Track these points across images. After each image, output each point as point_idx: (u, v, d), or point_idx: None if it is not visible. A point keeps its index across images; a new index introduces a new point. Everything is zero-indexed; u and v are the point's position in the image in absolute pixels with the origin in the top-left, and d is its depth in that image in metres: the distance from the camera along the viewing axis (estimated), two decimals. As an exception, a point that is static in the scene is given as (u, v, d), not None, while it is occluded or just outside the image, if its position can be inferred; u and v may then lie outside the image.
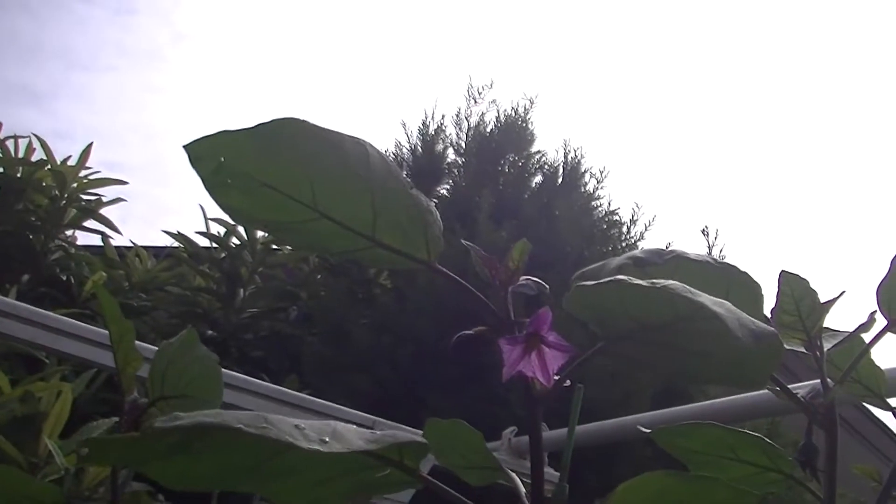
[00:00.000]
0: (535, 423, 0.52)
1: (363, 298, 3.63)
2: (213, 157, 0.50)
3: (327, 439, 0.42)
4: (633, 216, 3.75)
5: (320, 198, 0.51)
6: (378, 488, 0.50)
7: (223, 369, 1.54)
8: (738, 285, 0.53)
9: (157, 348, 0.75)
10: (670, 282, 0.38)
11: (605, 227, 3.69)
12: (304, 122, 0.50)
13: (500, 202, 3.52)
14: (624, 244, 3.62)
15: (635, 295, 0.41)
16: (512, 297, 0.53)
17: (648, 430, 0.68)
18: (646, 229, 3.74)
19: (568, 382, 0.52)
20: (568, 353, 0.47)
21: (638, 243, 3.67)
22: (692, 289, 0.38)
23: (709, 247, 3.88)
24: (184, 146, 0.50)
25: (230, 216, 0.53)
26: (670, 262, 0.50)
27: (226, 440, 0.42)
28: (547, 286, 0.57)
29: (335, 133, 0.51)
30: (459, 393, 2.82)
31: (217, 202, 0.52)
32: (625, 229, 3.71)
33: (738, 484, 0.63)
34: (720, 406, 1.35)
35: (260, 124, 0.49)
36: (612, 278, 0.40)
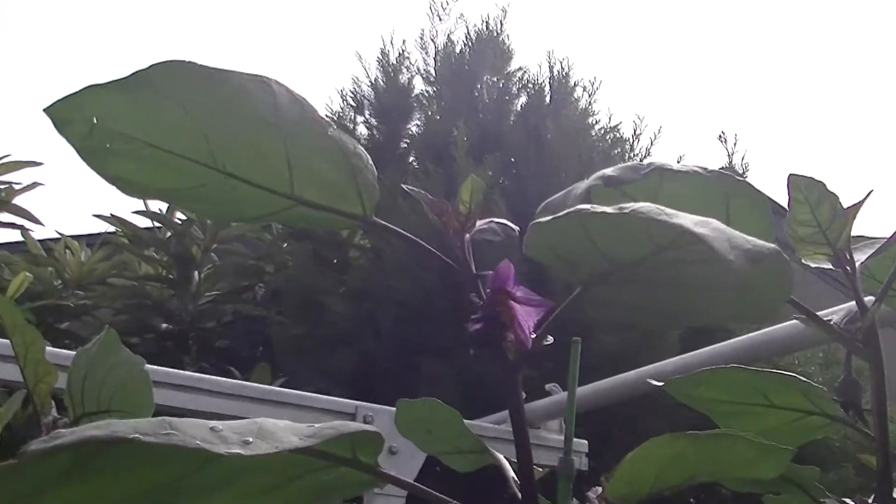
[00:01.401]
0: (515, 394, 0.50)
1: (337, 263, 3.62)
2: (84, 118, 0.47)
3: (251, 440, 0.40)
4: (635, 130, 3.72)
5: (220, 154, 0.49)
6: (334, 492, 0.48)
7: (176, 370, 1.53)
8: (739, 196, 0.50)
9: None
10: (641, 204, 0.36)
11: (604, 146, 3.66)
12: (188, 63, 0.48)
13: (480, 133, 3.49)
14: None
15: (601, 226, 0.39)
16: (470, 246, 0.51)
17: (661, 384, 0.66)
18: (652, 143, 3.72)
19: (550, 339, 0.51)
20: (541, 307, 0.46)
21: (644, 160, 3.64)
22: (668, 209, 0.36)
23: (728, 154, 3.86)
24: (44, 110, 0.47)
25: (117, 188, 0.51)
26: (650, 176, 0.48)
27: (129, 456, 0.40)
28: (516, 228, 0.55)
29: (230, 73, 0.49)
30: (456, 354, 2.82)
31: (98, 173, 0.49)
32: (628, 146, 3.68)
33: (775, 434, 0.62)
34: (745, 344, 1.34)
35: (135, 73, 0.47)
36: (571, 209, 0.37)
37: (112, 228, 3.34)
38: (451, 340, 2.80)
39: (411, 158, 3.80)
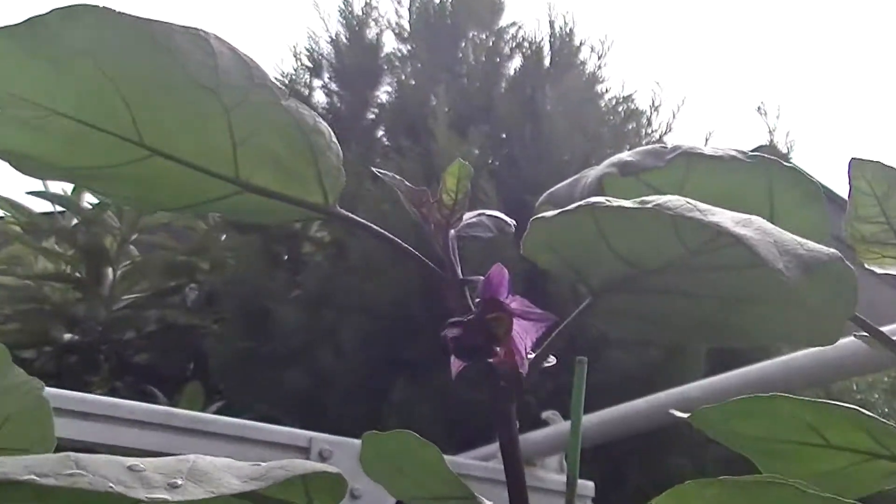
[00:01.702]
0: (507, 425, 0.50)
1: (289, 261, 3.61)
2: (-37, 76, 0.47)
3: (180, 482, 0.39)
4: (653, 101, 3.74)
5: (146, 126, 0.48)
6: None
7: (84, 394, 1.52)
8: (786, 187, 0.51)
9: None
10: (668, 197, 0.36)
11: (616, 120, 3.68)
12: (102, 9, 0.47)
13: (464, 102, 3.49)
14: (645, 142, 3.60)
15: (619, 224, 0.39)
16: (456, 245, 0.52)
17: (685, 415, 0.66)
18: (674, 117, 3.74)
19: (552, 360, 0.51)
20: (541, 322, 0.46)
21: (665, 137, 3.66)
22: (700, 204, 0.36)
23: (769, 131, 3.89)
24: None
25: (12, 165, 0.50)
26: (676, 163, 0.48)
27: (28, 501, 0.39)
28: (511, 222, 0.56)
29: (157, 24, 0.48)
30: (436, 374, 2.82)
31: (-15, 147, 0.49)
32: (644, 121, 3.70)
33: (831, 482, 0.62)
34: (791, 366, 1.34)
35: (30, 18, 0.46)
36: (581, 203, 0.37)
37: (0, 213, 3.31)
38: (430, 358, 2.81)
39: (380, 132, 3.80)
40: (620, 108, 3.74)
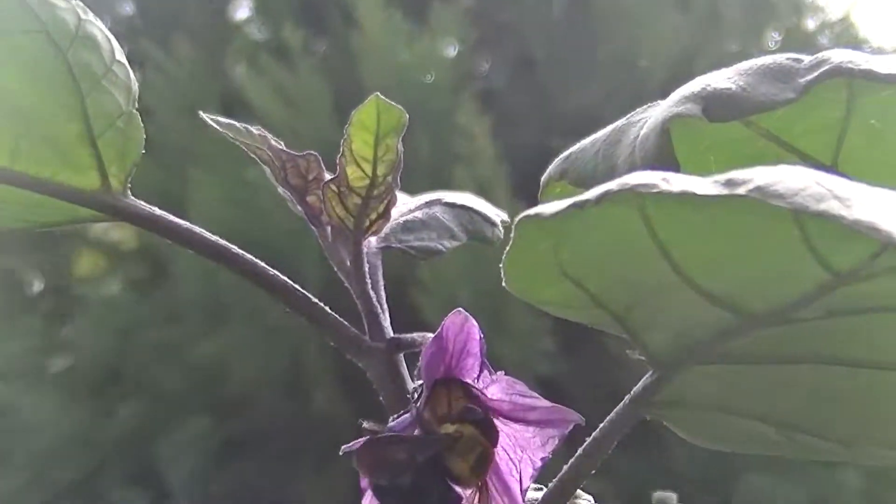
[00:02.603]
0: None
1: (47, 294, 3.63)
2: None
3: None
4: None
5: None
6: None
7: None
8: None
9: None
10: (776, 174, 0.36)
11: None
12: None
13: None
14: (816, 23, 3.60)
15: (689, 227, 0.39)
16: (379, 269, 0.53)
17: None
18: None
19: (587, 501, 0.53)
20: (555, 426, 0.47)
21: (851, 28, 3.66)
22: (838, 184, 0.36)
23: None
24: None
25: None
26: (823, 91, 0.48)
27: None
28: (500, 216, 0.57)
29: None
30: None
31: None
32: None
33: None
34: None
35: None
36: (610, 187, 0.38)
37: None
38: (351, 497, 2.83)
39: (242, 12, 3.81)
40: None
